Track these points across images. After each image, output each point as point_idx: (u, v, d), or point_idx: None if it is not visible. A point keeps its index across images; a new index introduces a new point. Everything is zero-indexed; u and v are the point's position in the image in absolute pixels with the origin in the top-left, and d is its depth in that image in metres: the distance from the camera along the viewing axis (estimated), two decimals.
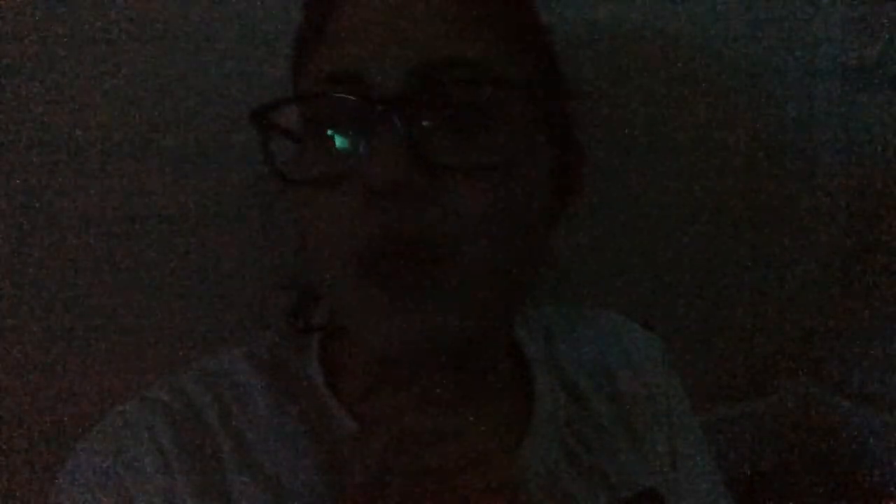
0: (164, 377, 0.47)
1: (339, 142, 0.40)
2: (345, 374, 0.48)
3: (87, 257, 0.63)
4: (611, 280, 0.89)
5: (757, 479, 1.01)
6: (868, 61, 0.99)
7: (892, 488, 0.98)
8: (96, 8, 0.60)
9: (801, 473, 1.05)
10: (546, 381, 0.52)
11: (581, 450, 0.51)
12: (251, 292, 0.68)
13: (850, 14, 1.00)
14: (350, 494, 0.37)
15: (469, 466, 0.36)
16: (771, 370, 1.07)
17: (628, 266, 0.92)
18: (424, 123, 0.39)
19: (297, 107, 0.43)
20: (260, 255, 0.67)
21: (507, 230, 0.40)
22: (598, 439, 0.52)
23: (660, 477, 0.53)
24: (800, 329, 1.07)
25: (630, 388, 0.55)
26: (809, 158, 1.04)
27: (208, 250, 0.67)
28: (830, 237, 1.06)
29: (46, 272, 0.62)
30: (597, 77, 0.83)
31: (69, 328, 0.63)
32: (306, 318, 0.52)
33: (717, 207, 0.98)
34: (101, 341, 0.64)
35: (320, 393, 0.47)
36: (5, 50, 0.58)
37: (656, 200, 0.93)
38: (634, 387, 0.56)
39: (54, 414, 0.62)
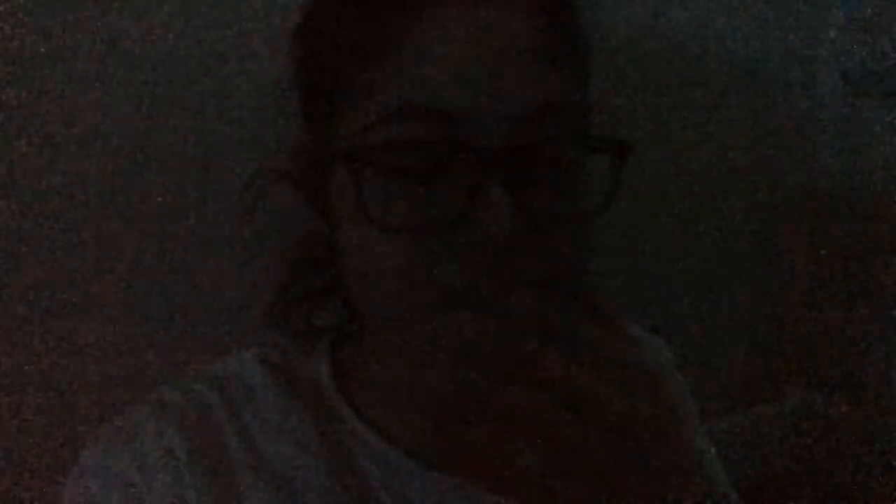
0: (174, 379, 0.47)
1: (439, 188, 0.38)
2: (354, 376, 0.48)
3: (91, 258, 0.63)
4: (613, 286, 0.89)
5: (760, 485, 1.01)
6: (870, 67, 1.00)
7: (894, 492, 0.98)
8: (98, 9, 0.61)
9: (804, 478, 1.05)
10: None
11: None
12: (258, 294, 0.68)
13: (853, 19, 1.01)
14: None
15: None
16: (774, 376, 1.07)
17: (631, 271, 0.92)
18: (527, 173, 0.38)
19: (370, 139, 0.39)
20: (265, 255, 0.68)
21: (580, 269, 0.41)
22: None
23: None
24: (802, 333, 1.08)
25: None
26: (811, 162, 1.05)
27: (215, 252, 0.67)
28: (834, 241, 1.06)
29: (51, 273, 0.62)
30: (599, 80, 0.83)
31: (77, 330, 0.63)
32: (312, 320, 0.53)
33: (720, 212, 0.99)
34: (107, 343, 0.64)
35: (330, 395, 0.47)
36: (6, 49, 0.58)
37: (658, 206, 0.93)
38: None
39: (62, 416, 0.62)
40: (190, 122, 0.65)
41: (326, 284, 0.53)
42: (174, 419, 0.44)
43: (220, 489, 0.42)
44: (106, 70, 0.61)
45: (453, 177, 0.38)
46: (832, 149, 1.04)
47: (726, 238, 0.99)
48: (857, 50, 1.01)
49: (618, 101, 0.86)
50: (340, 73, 0.41)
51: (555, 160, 0.39)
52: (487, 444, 0.38)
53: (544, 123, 0.38)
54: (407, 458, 0.45)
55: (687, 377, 0.60)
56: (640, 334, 0.59)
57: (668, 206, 0.93)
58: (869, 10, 0.99)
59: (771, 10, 0.96)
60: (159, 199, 0.65)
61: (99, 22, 0.61)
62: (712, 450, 0.58)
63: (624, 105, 0.87)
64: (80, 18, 0.60)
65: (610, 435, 0.32)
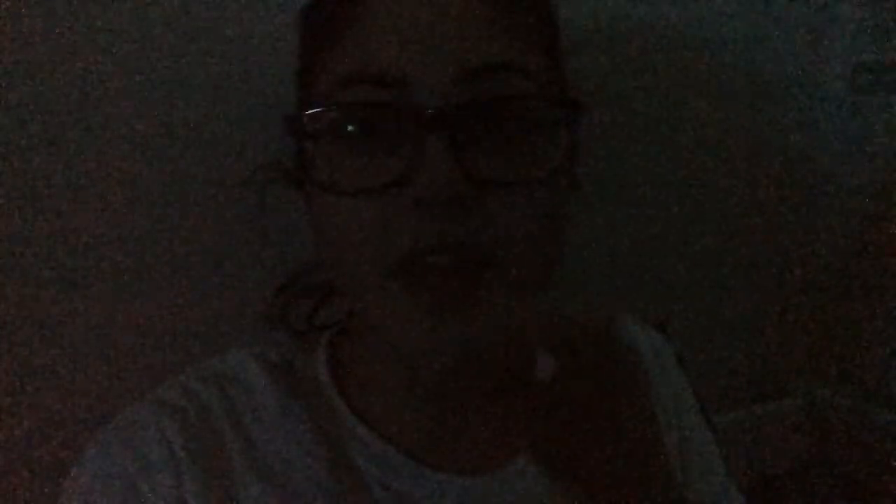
0: (173, 378, 0.47)
1: (384, 150, 0.39)
2: (352, 374, 0.48)
3: (90, 258, 0.63)
4: (616, 283, 0.89)
5: (763, 483, 1.01)
6: (875, 64, 1.00)
7: None
8: (99, 6, 0.61)
9: (807, 475, 1.05)
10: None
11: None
12: (257, 293, 0.68)
13: (859, 16, 1.00)
14: None
15: None
16: (781, 374, 1.07)
17: (633, 269, 0.92)
18: (471, 133, 0.38)
19: (323, 109, 0.41)
20: (265, 254, 0.68)
21: (542, 240, 0.40)
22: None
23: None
24: (804, 330, 1.08)
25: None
26: (815, 160, 1.04)
27: (214, 250, 0.67)
28: (836, 238, 1.06)
29: (50, 273, 0.62)
30: (604, 78, 0.83)
31: (77, 330, 0.63)
32: (312, 320, 0.53)
33: (722, 209, 0.99)
34: (107, 343, 0.64)
35: (327, 393, 0.48)
36: (7, 48, 0.58)
37: (662, 204, 0.93)
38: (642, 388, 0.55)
39: (61, 415, 0.62)
40: (190, 121, 0.65)
41: (326, 284, 0.53)
42: (174, 418, 0.43)
43: (219, 487, 0.42)
44: (105, 69, 0.61)
45: (400, 139, 0.39)
46: (836, 145, 1.04)
47: (729, 235, 0.99)
48: (863, 45, 1.00)
49: (618, 99, 0.86)
50: (310, 58, 0.43)
51: (502, 123, 0.39)
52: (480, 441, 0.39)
53: (487, 84, 0.39)
54: (404, 456, 0.45)
55: (689, 374, 0.60)
56: (643, 330, 0.59)
57: (669, 204, 0.93)
58: (875, 5, 0.98)
59: (775, 4, 0.96)
60: (159, 198, 0.65)
61: (99, 21, 0.61)
62: (714, 448, 0.58)
63: (624, 103, 0.87)
64: (80, 17, 0.60)
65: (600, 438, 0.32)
